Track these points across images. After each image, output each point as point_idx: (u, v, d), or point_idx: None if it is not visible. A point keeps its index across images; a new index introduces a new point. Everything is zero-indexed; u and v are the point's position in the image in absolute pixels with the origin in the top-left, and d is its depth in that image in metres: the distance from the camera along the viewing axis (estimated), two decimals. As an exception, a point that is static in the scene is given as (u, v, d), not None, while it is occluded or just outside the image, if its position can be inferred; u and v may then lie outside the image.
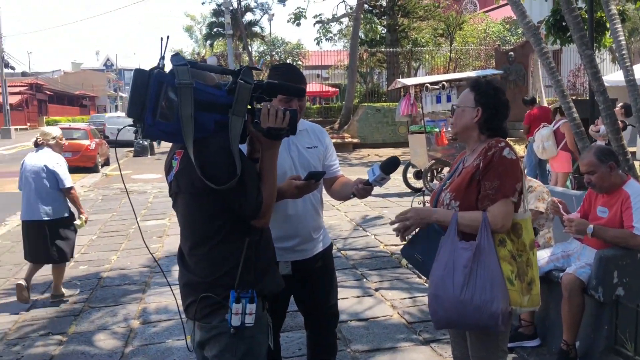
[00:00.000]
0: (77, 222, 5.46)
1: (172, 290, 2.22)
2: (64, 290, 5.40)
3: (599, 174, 3.50)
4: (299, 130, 2.62)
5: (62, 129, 20.68)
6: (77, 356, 4.06)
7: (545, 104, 14.89)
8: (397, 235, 2.44)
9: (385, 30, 26.36)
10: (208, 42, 33.63)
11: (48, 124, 37.87)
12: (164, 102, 1.87)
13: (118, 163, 2.45)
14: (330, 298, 2.92)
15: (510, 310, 2.27)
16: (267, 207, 2.05)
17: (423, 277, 5.43)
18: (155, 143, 22.98)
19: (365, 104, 22.32)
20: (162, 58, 1.98)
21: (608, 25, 6.52)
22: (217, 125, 1.94)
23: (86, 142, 18.09)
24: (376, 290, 5.24)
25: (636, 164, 5.85)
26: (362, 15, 22.35)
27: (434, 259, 2.36)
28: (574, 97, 11.71)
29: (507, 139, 2.51)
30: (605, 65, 19.87)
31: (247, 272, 2.02)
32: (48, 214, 5.18)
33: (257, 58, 27.52)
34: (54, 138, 5.35)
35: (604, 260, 3.42)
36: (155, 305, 5.02)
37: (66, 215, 5.32)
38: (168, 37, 2.02)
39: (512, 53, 18.82)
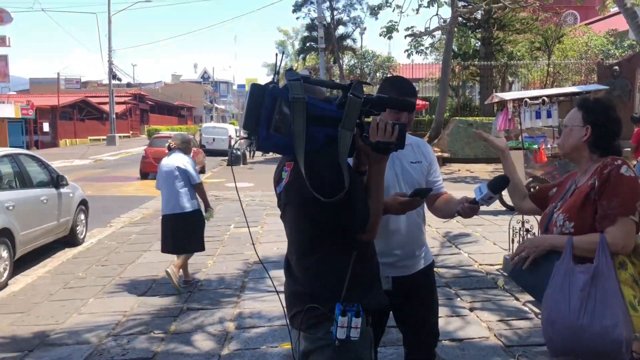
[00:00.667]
0: (206, 214, 6.13)
1: (279, 296, 2.26)
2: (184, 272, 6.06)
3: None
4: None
5: (161, 137, 21.91)
6: (177, 355, 4.24)
7: (655, 122, 13.88)
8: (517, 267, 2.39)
9: (480, 43, 25.78)
10: (301, 56, 34.36)
11: (149, 132, 40.17)
12: (277, 116, 1.92)
13: (233, 174, 2.55)
14: (431, 316, 2.86)
15: (633, 337, 2.13)
16: (373, 222, 2.05)
17: (520, 299, 5.24)
18: (247, 153, 23.73)
19: (457, 117, 21.86)
20: (277, 73, 2.04)
21: None
22: (327, 138, 1.96)
23: (184, 151, 18.97)
24: (470, 310, 5.08)
25: None
26: (455, 29, 21.98)
27: (547, 282, 2.26)
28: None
29: None
30: None
31: (353, 286, 2.02)
32: (183, 208, 5.90)
33: (347, 71, 27.74)
34: (183, 143, 6.26)
35: None
36: (250, 310, 5.15)
37: (197, 209, 6.03)
38: (283, 53, 2.09)
39: (617, 67, 17.75)
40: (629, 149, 10.45)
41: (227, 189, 14.68)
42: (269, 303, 5.29)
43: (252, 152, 25.49)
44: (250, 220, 9.87)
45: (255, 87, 1.97)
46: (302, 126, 1.90)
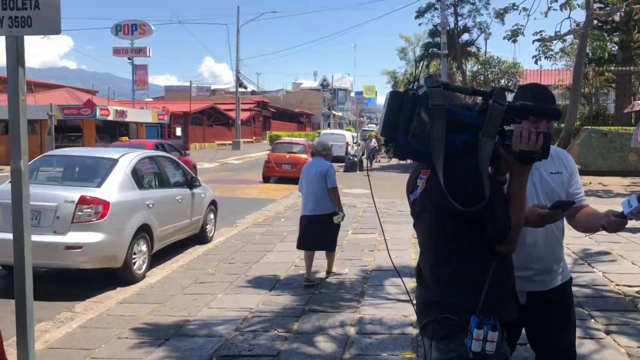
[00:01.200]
0: (336, 217, 6.42)
1: (413, 305, 2.24)
2: (335, 268, 6.71)
3: None
4: None
5: (282, 143, 22.71)
6: (300, 355, 4.36)
7: None
8: None
9: (617, 47, 23.94)
10: (422, 61, 34.02)
11: (271, 138, 41.79)
12: (416, 123, 1.92)
13: (369, 181, 2.58)
14: (567, 337, 2.70)
15: None
16: (514, 233, 1.98)
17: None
18: (364, 160, 23.85)
19: (589, 127, 20.46)
20: (417, 80, 2.04)
21: None
22: (465, 145, 1.93)
23: (304, 156, 19.53)
24: (606, 333, 4.72)
25: None
26: (589, 32, 20.61)
27: None
28: None
29: None
30: None
31: (490, 298, 1.97)
32: (322, 210, 6.36)
33: (470, 78, 27.00)
34: (324, 149, 6.85)
35: None
36: (370, 316, 5.17)
37: (334, 211, 6.41)
38: (423, 60, 2.10)
39: None
40: None
41: (344, 194, 14.86)
42: (389, 310, 5.28)
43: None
44: (367, 227, 9.95)
45: (393, 94, 1.99)
46: (441, 133, 1.89)
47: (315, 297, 5.85)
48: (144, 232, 7.06)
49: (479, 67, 27.84)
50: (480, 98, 2.03)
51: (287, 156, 19.54)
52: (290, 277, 6.64)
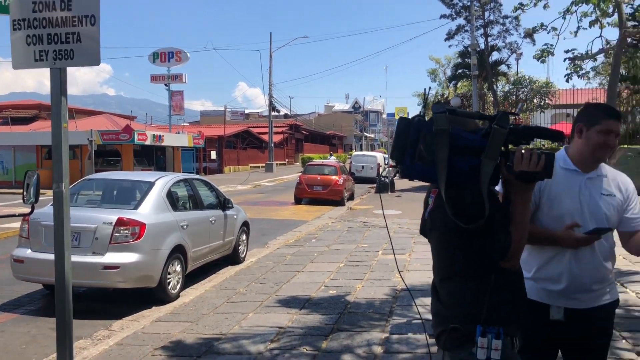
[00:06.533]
0: None
1: (423, 324, 2.35)
2: None
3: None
4: (598, 175, 2.62)
5: (314, 165, 22.87)
6: (327, 372, 4.45)
7: None
8: None
9: (653, 64, 23.49)
10: (452, 83, 34.01)
11: (303, 160, 42.16)
12: (422, 146, 2.05)
13: (381, 201, 2.71)
14: (599, 358, 2.73)
15: None
16: (515, 250, 2.09)
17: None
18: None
19: (625, 146, 20.04)
20: (424, 106, 2.18)
21: None
22: (471, 169, 2.03)
23: (335, 177, 19.68)
24: (638, 354, 4.66)
25: None
26: (623, 49, 20.33)
27: None
28: None
29: None
30: None
31: (494, 309, 2.07)
32: None
33: (501, 98, 26.85)
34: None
35: None
36: (398, 336, 5.22)
37: None
38: (429, 88, 2.24)
39: None
40: None
41: (374, 215, 14.93)
42: (417, 329, 5.32)
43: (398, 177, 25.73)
44: (397, 247, 9.98)
45: (402, 120, 2.14)
46: (444, 155, 2.01)
47: (345, 316, 5.93)
48: (178, 252, 7.28)
49: (511, 87, 27.72)
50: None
51: (319, 178, 19.73)
52: (320, 297, 6.74)
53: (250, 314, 6.14)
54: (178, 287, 7.24)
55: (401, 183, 23.45)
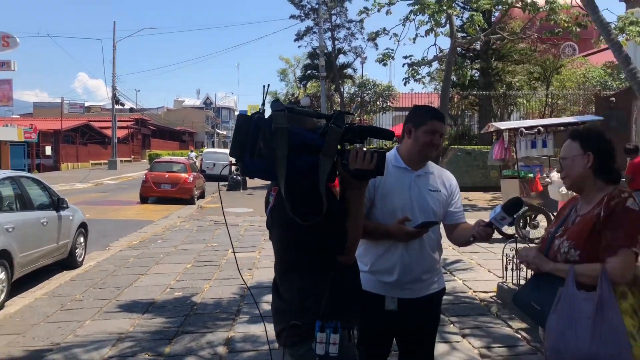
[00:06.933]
0: None
1: (263, 321, 2.34)
2: None
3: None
4: (425, 173, 2.77)
5: (162, 162, 22.00)
6: (171, 377, 4.28)
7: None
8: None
9: (478, 73, 26.10)
10: (302, 83, 34.79)
11: (150, 157, 40.41)
12: (261, 144, 2.04)
13: (221, 200, 2.65)
14: (428, 344, 2.91)
15: None
16: (351, 244, 2.17)
17: (512, 327, 5.29)
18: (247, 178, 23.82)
19: (455, 146, 22.06)
20: (263, 104, 2.17)
21: None
22: (309, 166, 2.06)
23: (184, 175, 19.10)
24: (462, 337, 5.12)
25: None
26: (453, 58, 22.33)
27: (550, 308, 2.31)
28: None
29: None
30: None
31: (332, 303, 2.12)
32: None
33: (347, 99, 28.05)
34: None
35: None
36: (244, 334, 5.19)
37: None
38: (268, 85, 2.24)
39: (613, 98, 18.01)
40: (624, 180, 10.55)
41: (227, 214, 14.73)
42: (263, 327, 5.33)
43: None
44: (248, 245, 9.96)
45: (241, 117, 2.10)
46: (283, 153, 2.01)
47: (190, 318, 5.76)
48: (2, 258, 6.55)
49: (356, 89, 29.07)
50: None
51: (167, 175, 18.99)
52: (165, 300, 6.47)
53: (87, 321, 5.71)
54: (2, 296, 6.50)
55: (253, 181, 23.45)
